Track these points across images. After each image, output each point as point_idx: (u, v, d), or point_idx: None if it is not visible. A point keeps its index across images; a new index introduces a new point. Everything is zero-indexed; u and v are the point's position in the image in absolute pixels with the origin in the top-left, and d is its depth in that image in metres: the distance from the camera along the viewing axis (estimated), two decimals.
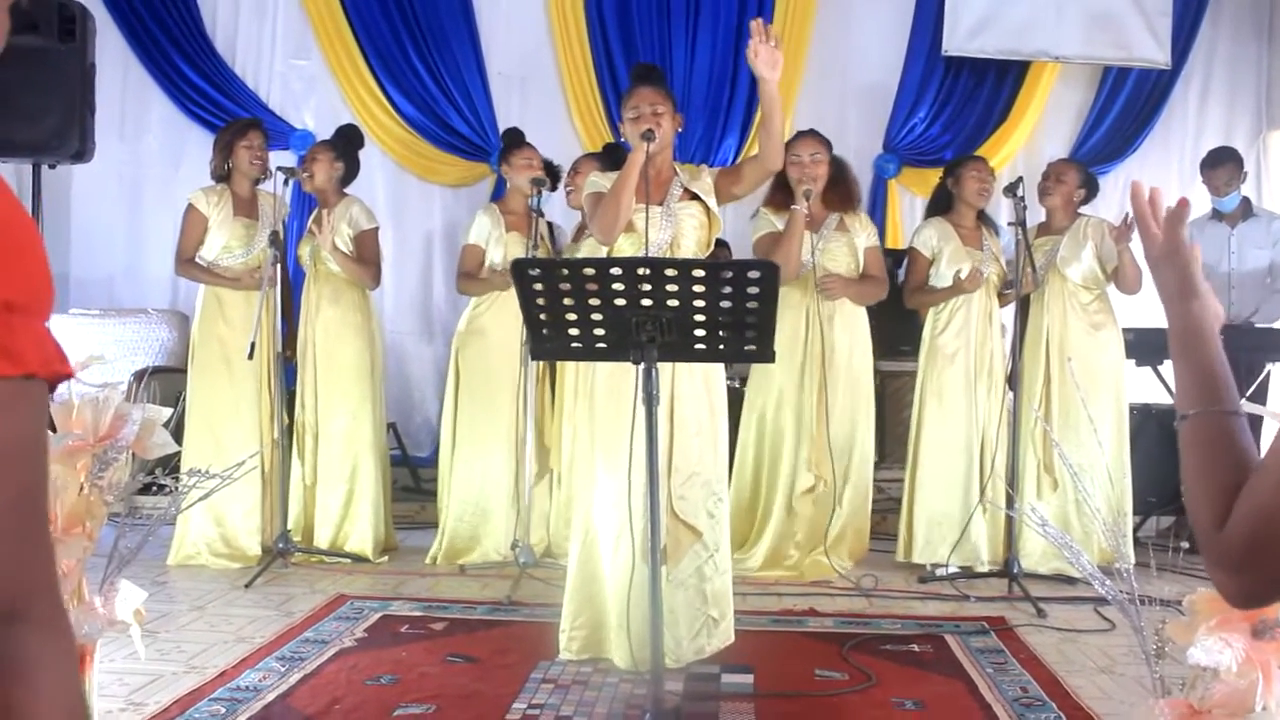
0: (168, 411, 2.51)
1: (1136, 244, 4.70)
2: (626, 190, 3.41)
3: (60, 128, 4.89)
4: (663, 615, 2.81)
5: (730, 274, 2.52)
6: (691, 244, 3.55)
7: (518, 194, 5.02)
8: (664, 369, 3.34)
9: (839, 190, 4.83)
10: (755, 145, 6.63)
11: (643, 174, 3.40)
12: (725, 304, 2.55)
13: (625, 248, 3.52)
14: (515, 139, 5.13)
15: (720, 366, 3.61)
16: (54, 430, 2.39)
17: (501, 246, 4.92)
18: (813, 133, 4.85)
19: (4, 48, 0.82)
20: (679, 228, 3.53)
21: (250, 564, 4.74)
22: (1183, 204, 1.36)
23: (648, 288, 2.52)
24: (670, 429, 3.40)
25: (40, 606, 0.80)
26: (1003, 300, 4.98)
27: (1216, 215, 5.66)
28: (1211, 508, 1.14)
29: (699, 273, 2.51)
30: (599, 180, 3.61)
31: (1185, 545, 4.30)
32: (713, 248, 3.75)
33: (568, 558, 4.77)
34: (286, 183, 4.85)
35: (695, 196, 3.56)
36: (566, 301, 2.60)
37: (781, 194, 4.72)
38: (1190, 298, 1.30)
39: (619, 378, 3.29)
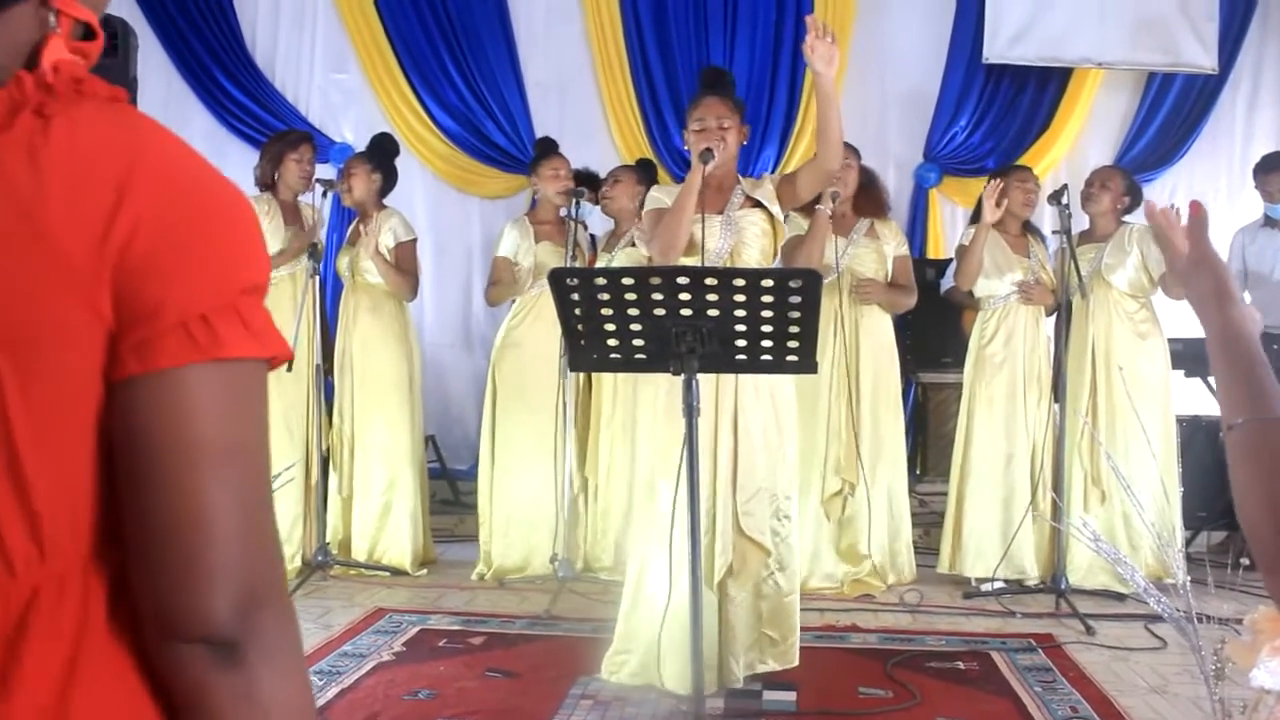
0: None
1: None
2: (685, 212, 3.30)
3: None
4: (703, 634, 2.74)
5: (771, 283, 2.47)
6: (755, 252, 3.44)
7: (548, 204, 4.99)
8: (727, 381, 3.27)
9: (869, 195, 4.78)
10: (794, 156, 6.59)
11: (703, 186, 3.33)
12: (766, 313, 2.50)
13: (682, 258, 3.39)
14: (544, 149, 5.09)
15: (788, 379, 3.42)
16: None
17: (531, 255, 4.87)
18: None
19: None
20: (740, 236, 3.42)
21: (290, 577, 4.74)
22: (1196, 208, 1.37)
23: (687, 297, 2.49)
24: (734, 443, 3.29)
25: (279, 590, 0.80)
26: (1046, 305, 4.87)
27: (1269, 222, 5.48)
28: (1273, 516, 1.11)
29: (739, 282, 2.47)
30: (660, 196, 3.50)
31: (1245, 561, 4.18)
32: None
33: (605, 570, 4.75)
34: (325, 195, 4.87)
35: (758, 204, 3.47)
36: (605, 311, 2.56)
37: (811, 202, 4.65)
38: (1228, 303, 1.28)
39: (677, 396, 3.16)
